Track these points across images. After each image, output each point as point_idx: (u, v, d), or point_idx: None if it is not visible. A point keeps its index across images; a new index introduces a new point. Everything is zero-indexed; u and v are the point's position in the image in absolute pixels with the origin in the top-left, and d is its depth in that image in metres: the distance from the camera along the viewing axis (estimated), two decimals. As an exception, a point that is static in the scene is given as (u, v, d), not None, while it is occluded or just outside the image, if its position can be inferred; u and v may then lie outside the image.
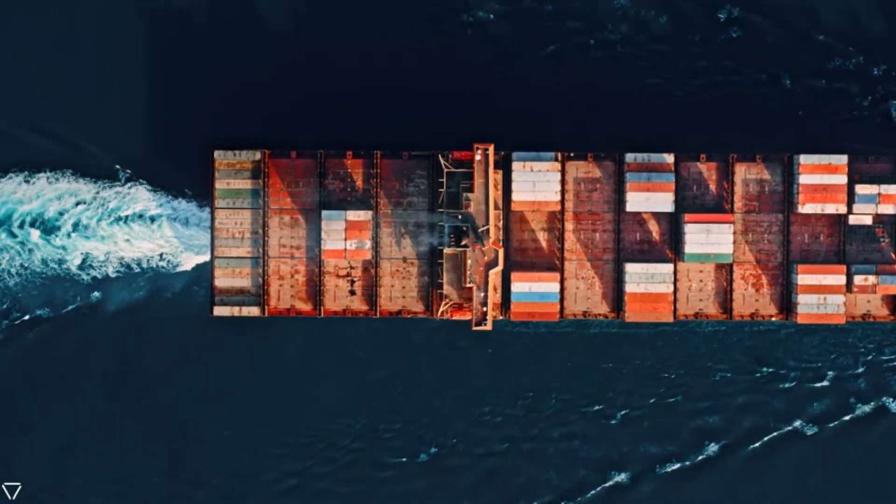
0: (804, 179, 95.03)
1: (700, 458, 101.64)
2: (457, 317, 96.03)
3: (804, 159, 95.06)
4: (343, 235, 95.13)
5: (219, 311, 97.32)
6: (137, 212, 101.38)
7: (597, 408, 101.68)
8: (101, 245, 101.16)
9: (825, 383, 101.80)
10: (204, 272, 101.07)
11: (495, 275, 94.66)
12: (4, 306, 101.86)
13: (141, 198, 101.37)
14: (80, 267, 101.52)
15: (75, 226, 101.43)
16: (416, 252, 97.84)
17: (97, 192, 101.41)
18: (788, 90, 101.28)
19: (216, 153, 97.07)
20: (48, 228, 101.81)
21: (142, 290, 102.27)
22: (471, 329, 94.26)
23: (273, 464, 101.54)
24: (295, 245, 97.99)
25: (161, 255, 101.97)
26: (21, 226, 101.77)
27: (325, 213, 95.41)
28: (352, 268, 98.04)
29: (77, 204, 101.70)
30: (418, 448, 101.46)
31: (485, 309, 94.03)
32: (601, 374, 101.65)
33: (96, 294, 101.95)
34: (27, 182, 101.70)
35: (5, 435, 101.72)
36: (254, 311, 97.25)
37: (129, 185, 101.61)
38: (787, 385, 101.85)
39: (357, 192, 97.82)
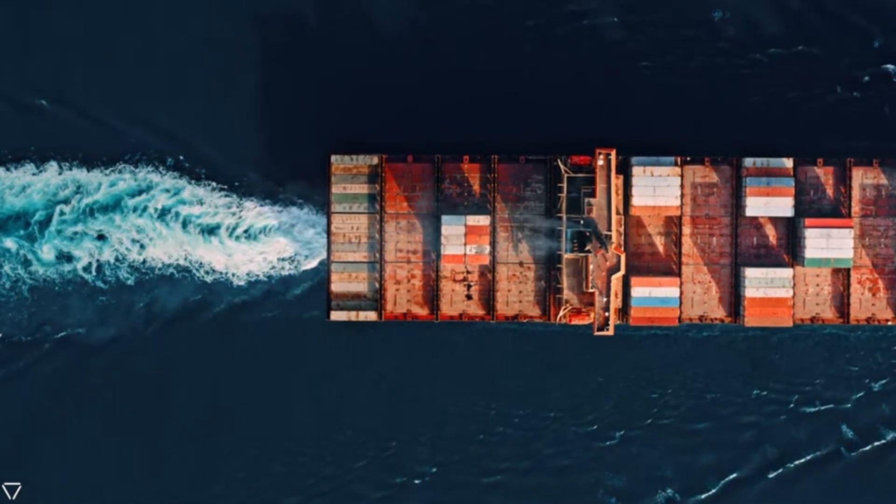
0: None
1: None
2: (575, 321, 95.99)
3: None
4: (462, 240, 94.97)
5: (336, 315, 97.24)
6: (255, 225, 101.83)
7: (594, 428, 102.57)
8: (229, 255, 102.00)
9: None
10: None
11: (617, 280, 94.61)
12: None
13: (258, 211, 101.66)
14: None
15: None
16: (532, 256, 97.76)
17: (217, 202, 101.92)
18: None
19: (333, 158, 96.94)
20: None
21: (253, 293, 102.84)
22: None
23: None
24: (411, 249, 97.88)
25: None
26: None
27: (444, 217, 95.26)
28: (468, 272, 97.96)
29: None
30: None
31: (607, 314, 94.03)
32: (595, 385, 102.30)
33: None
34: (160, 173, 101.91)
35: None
36: (371, 315, 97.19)
37: (241, 198, 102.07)
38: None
39: (474, 196, 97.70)
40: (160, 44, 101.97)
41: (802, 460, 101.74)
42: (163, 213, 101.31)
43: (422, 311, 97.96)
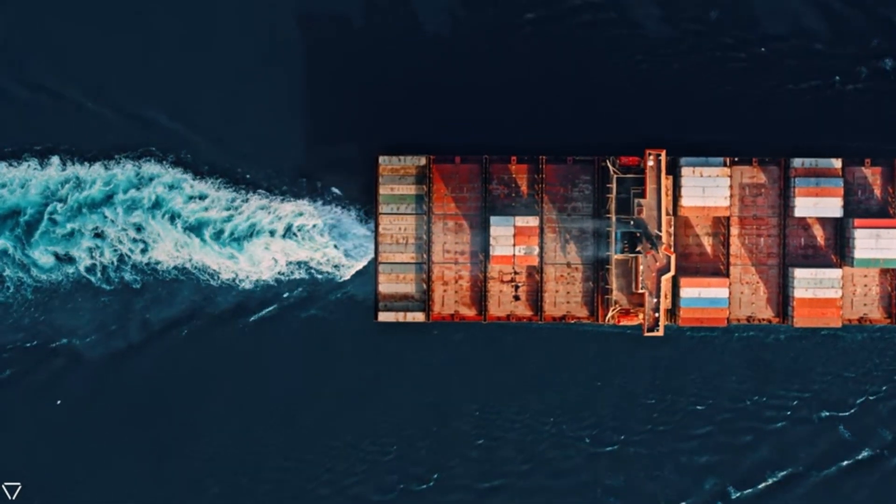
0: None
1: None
2: (624, 322, 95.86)
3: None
4: (511, 241, 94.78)
5: (384, 316, 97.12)
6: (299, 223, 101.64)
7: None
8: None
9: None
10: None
11: (667, 280, 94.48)
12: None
13: (302, 210, 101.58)
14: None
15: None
16: (580, 257, 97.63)
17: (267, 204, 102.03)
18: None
19: (381, 159, 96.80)
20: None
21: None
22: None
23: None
24: (459, 250, 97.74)
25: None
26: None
27: (493, 218, 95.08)
28: (516, 273, 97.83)
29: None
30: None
31: (657, 315, 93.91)
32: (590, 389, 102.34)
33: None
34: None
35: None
36: (419, 316, 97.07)
37: (280, 198, 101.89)
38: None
39: (521, 197, 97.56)
40: (189, 35, 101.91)
41: (803, 467, 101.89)
42: (157, 206, 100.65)
43: (469, 312, 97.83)
